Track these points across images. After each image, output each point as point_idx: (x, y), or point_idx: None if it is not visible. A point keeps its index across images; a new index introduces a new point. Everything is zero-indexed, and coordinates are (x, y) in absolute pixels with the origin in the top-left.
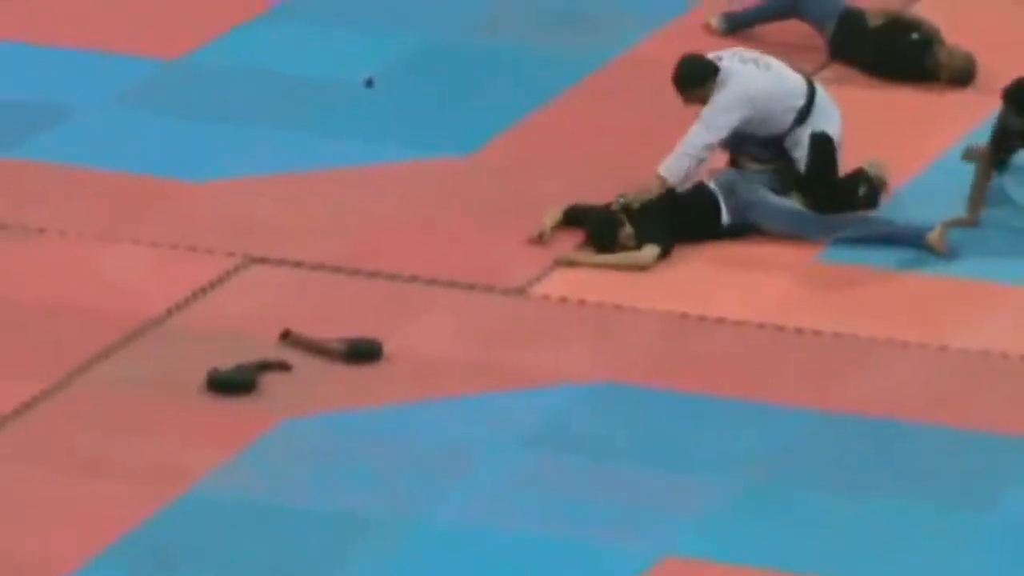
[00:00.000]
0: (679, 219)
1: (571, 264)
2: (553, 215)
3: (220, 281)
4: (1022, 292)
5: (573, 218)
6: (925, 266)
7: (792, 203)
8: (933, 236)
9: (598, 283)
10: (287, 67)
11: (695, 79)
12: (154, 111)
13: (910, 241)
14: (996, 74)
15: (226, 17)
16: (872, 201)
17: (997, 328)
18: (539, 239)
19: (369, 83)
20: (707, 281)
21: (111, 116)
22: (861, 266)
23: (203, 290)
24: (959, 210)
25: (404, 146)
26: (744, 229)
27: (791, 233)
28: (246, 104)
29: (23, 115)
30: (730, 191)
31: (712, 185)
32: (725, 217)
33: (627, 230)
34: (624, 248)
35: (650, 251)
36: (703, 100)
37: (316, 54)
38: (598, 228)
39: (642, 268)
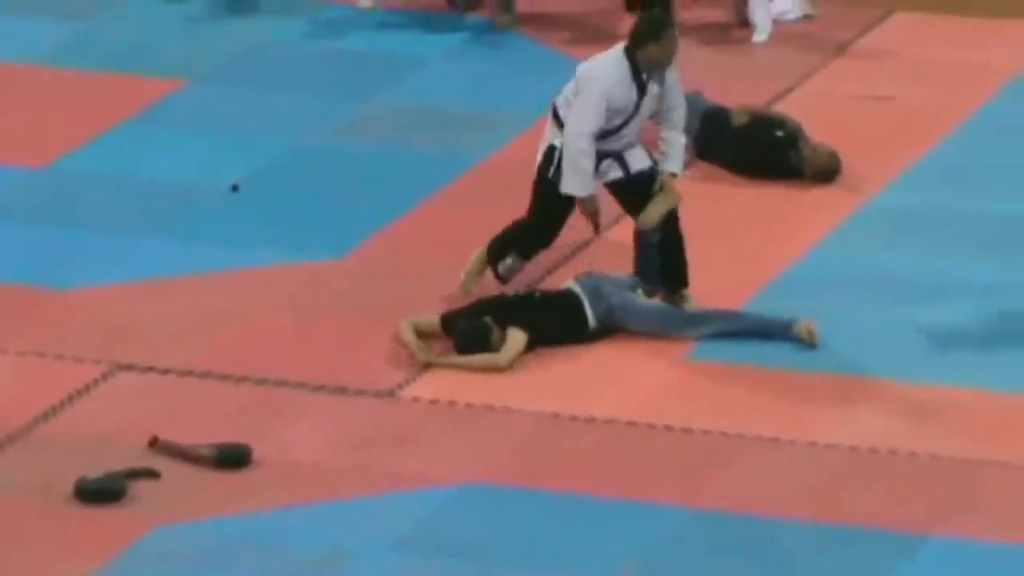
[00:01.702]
0: (544, 324)
1: (435, 366)
2: (411, 330)
3: (88, 389)
4: (890, 386)
5: (446, 325)
6: (795, 361)
7: (658, 303)
8: (801, 327)
9: (469, 384)
10: (154, 173)
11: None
12: (22, 219)
13: (779, 333)
14: (859, 171)
15: (93, 124)
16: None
17: (866, 423)
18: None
19: (235, 188)
20: (578, 380)
21: None
22: (732, 363)
23: (70, 398)
24: (827, 304)
25: (272, 250)
26: (611, 331)
27: (659, 332)
28: (114, 210)
29: None
30: (595, 294)
31: (576, 288)
32: (591, 320)
33: (496, 335)
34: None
35: (512, 347)
36: None
37: (183, 159)
38: (466, 337)
39: (501, 368)
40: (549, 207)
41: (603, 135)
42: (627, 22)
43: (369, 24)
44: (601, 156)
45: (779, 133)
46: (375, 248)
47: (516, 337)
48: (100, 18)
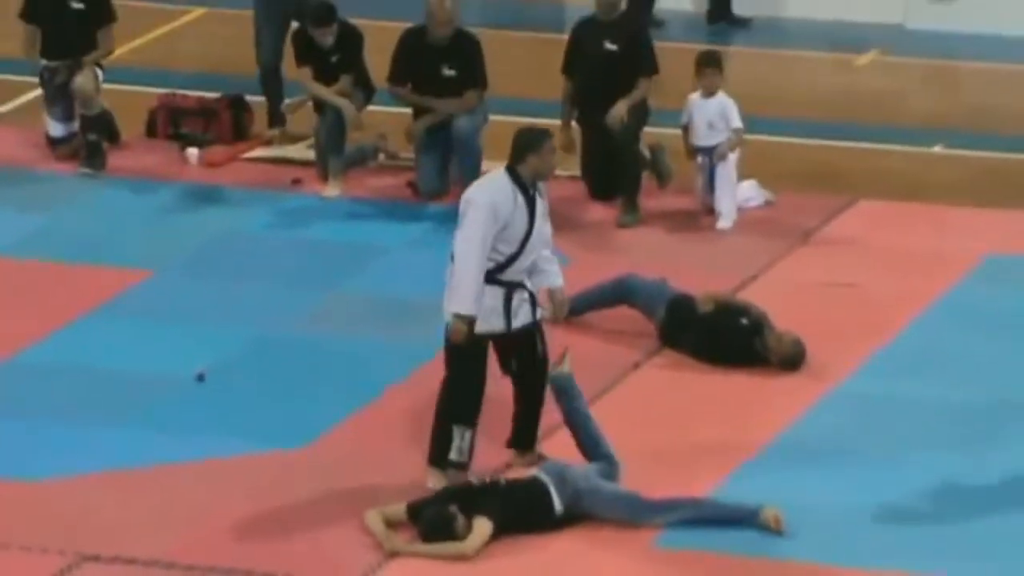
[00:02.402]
0: (510, 511)
1: (402, 554)
2: (379, 519)
3: None
4: (856, 574)
5: (413, 514)
6: (762, 547)
7: (625, 489)
8: (767, 514)
9: (435, 574)
10: (119, 363)
11: None
12: None
13: (746, 521)
14: (825, 358)
15: (55, 316)
16: None
17: None
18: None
19: (200, 377)
20: (545, 571)
21: None
22: (699, 550)
23: None
24: (794, 490)
25: (237, 439)
26: (577, 518)
27: (625, 519)
28: (77, 401)
29: None
30: (561, 480)
31: (542, 475)
32: (558, 506)
33: (460, 523)
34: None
35: (478, 535)
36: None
37: (147, 350)
38: (431, 526)
39: (467, 557)
40: (465, 365)
41: (508, 261)
42: (592, 210)
43: (335, 213)
44: (509, 286)
45: (744, 321)
46: (339, 438)
47: (482, 526)
48: (65, 210)
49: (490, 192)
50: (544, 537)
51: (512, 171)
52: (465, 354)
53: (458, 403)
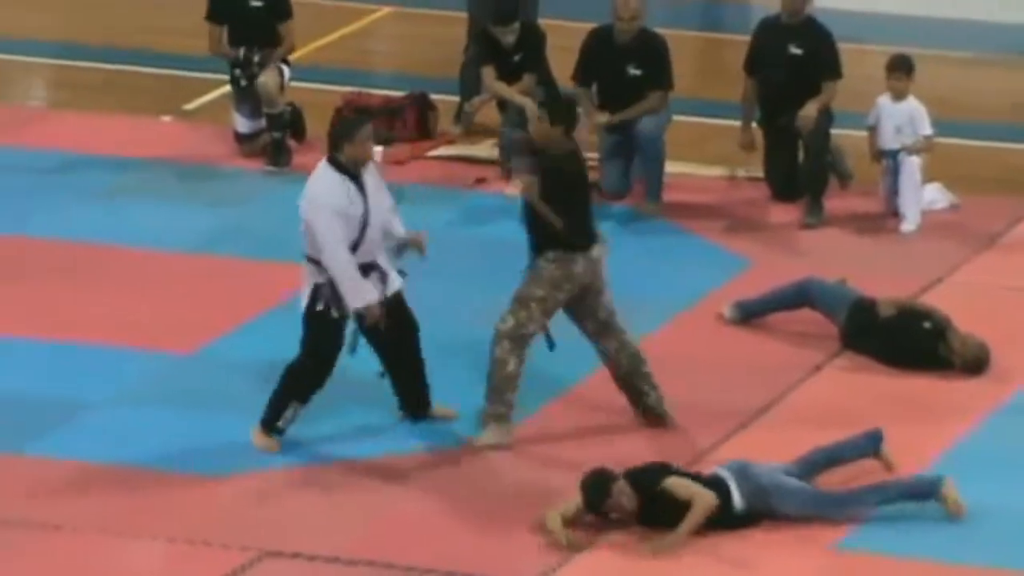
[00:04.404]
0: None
1: (661, 551)
2: (557, 519)
3: (235, 575)
4: None
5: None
6: (943, 553)
7: (809, 486)
8: (948, 490)
9: (612, 573)
10: None
11: None
12: (170, 405)
13: (926, 493)
14: (1009, 363)
15: (239, 312)
16: None
17: None
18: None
19: (382, 375)
20: (725, 572)
21: (126, 411)
22: (878, 555)
23: None
24: (973, 496)
25: (415, 437)
26: (758, 515)
27: (812, 514)
28: (260, 397)
29: (39, 411)
30: (743, 476)
31: (723, 472)
32: (738, 503)
33: (620, 484)
34: (619, 503)
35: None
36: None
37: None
38: (591, 487)
39: (710, 505)
40: (320, 344)
41: (353, 247)
42: (774, 211)
43: (517, 213)
44: (362, 268)
45: (927, 324)
46: (522, 436)
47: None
48: (251, 207)
49: (324, 193)
50: (720, 538)
51: (333, 160)
52: (322, 341)
53: (302, 382)
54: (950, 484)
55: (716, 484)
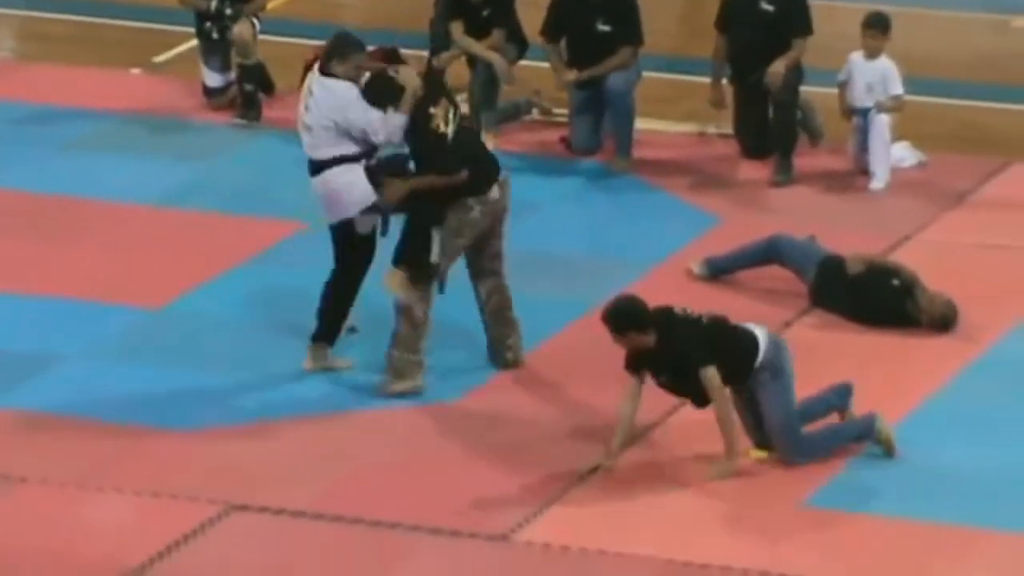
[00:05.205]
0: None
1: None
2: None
3: (203, 528)
4: (1008, 539)
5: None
6: (911, 511)
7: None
8: (882, 429)
9: (583, 527)
10: (270, 315)
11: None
12: (139, 360)
13: (866, 432)
14: (977, 320)
15: (208, 266)
16: None
17: None
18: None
19: (352, 330)
20: (693, 524)
21: (95, 364)
22: (849, 512)
23: (186, 538)
24: (940, 454)
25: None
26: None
27: (783, 438)
28: (228, 352)
29: (7, 364)
30: (776, 346)
31: (759, 330)
32: (760, 358)
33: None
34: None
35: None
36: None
37: (299, 301)
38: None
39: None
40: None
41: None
42: (744, 168)
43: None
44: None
45: (895, 282)
46: (490, 390)
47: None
48: (219, 160)
49: (349, 87)
50: (693, 491)
51: (326, 72)
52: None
53: (344, 294)
54: (883, 421)
55: (749, 339)
